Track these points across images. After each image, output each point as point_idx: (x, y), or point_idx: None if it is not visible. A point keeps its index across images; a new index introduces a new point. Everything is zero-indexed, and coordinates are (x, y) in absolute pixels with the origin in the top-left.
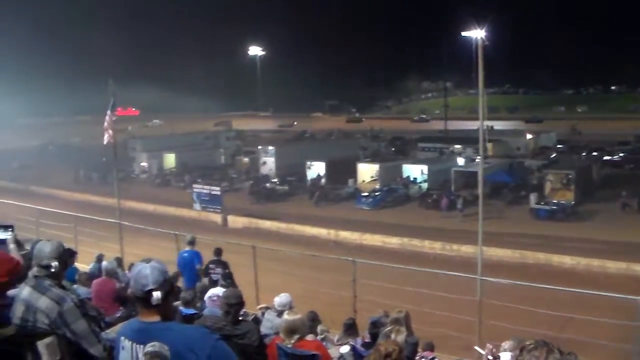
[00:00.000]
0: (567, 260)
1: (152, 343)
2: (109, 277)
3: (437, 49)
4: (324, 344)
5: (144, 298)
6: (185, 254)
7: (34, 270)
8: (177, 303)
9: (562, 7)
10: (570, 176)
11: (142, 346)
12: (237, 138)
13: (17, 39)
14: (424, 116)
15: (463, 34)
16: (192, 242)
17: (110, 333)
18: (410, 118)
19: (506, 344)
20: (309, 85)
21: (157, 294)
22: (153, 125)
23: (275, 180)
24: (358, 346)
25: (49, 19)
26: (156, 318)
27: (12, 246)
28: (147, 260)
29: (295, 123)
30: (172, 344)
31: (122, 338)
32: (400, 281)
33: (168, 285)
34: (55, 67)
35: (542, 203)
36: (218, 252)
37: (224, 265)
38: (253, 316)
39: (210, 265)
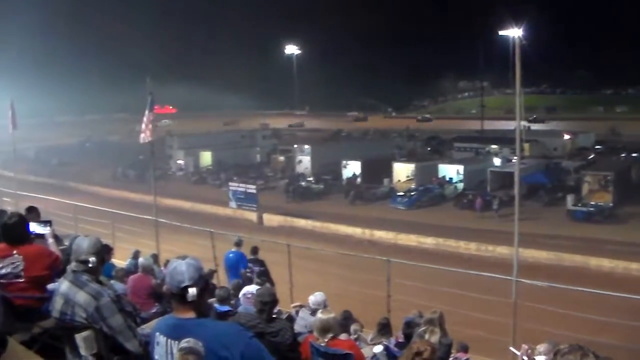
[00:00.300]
0: (605, 263)
1: (187, 339)
2: (145, 274)
3: (474, 48)
4: (358, 343)
5: (180, 294)
6: (231, 255)
7: (72, 265)
8: (211, 300)
9: (600, 6)
10: (608, 178)
11: (176, 342)
12: (273, 136)
13: (54, 37)
14: (428, 116)
15: (500, 33)
16: (239, 244)
17: (145, 329)
18: (416, 118)
19: (541, 347)
20: (345, 84)
21: (192, 291)
22: (162, 125)
23: (311, 179)
24: (391, 346)
25: (87, 17)
26: (191, 314)
27: (50, 241)
28: (182, 257)
29: (305, 123)
30: (206, 341)
31: (157, 334)
32: (434, 281)
33: (203, 282)
34: (92, 65)
35: (580, 205)
36: (255, 250)
37: (261, 263)
38: (287, 314)
39: (248, 264)
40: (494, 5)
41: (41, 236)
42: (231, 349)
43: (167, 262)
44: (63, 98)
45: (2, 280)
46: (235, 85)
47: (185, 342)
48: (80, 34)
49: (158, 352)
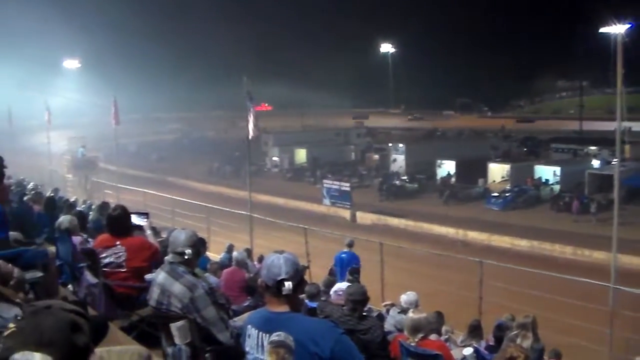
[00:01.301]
0: None
1: (278, 333)
2: (239, 267)
3: (573, 46)
4: (447, 344)
5: (275, 287)
6: (344, 255)
7: (169, 257)
8: (302, 296)
9: None
10: None
11: (267, 335)
12: (367, 135)
13: (153, 37)
14: (418, 115)
15: (601, 30)
16: (350, 245)
17: (237, 321)
18: (410, 114)
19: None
20: (440, 83)
21: (288, 284)
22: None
23: (405, 177)
24: (482, 349)
25: (184, 16)
26: (284, 308)
27: (148, 232)
28: (280, 252)
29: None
30: (297, 335)
31: (249, 326)
32: (527, 285)
33: (299, 277)
34: (189, 64)
35: None
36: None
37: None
38: (377, 312)
39: None
40: (595, 2)
41: (139, 227)
42: (321, 345)
43: (260, 257)
44: (159, 96)
45: (105, 269)
46: (330, 83)
47: (276, 336)
48: (178, 33)
49: (249, 344)
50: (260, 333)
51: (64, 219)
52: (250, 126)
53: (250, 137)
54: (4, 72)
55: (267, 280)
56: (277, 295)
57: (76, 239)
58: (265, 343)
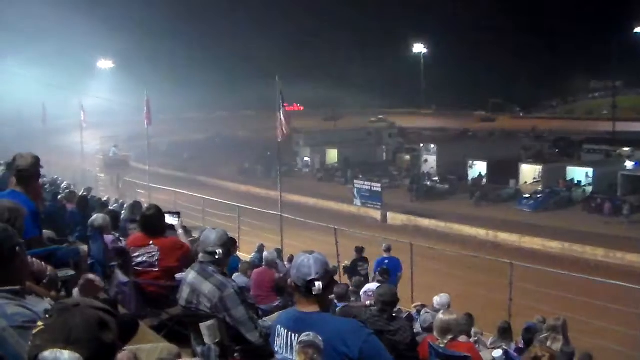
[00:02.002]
0: None
1: (307, 333)
2: (269, 267)
3: (606, 46)
4: (477, 346)
5: (305, 287)
6: (386, 261)
7: (200, 256)
8: (330, 297)
9: None
10: None
11: (297, 335)
12: (399, 135)
13: (185, 38)
14: (381, 117)
15: (636, 30)
16: (388, 250)
17: (267, 321)
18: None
19: None
20: (472, 84)
21: (318, 284)
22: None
23: (436, 178)
24: (511, 351)
25: (216, 16)
26: (314, 308)
27: (180, 232)
28: (310, 252)
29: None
30: (326, 335)
31: (279, 326)
32: (558, 287)
33: (329, 277)
34: (221, 64)
35: None
36: (360, 250)
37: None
38: (407, 313)
39: (359, 263)
40: (629, 1)
41: (171, 227)
42: (350, 345)
43: (290, 257)
44: (190, 95)
45: (137, 268)
46: (362, 83)
47: (306, 336)
48: (209, 34)
49: (278, 344)
50: (290, 333)
51: (96, 217)
52: (281, 128)
53: (279, 139)
54: (39, 72)
55: (296, 281)
56: (307, 296)
57: (108, 238)
58: (295, 343)
